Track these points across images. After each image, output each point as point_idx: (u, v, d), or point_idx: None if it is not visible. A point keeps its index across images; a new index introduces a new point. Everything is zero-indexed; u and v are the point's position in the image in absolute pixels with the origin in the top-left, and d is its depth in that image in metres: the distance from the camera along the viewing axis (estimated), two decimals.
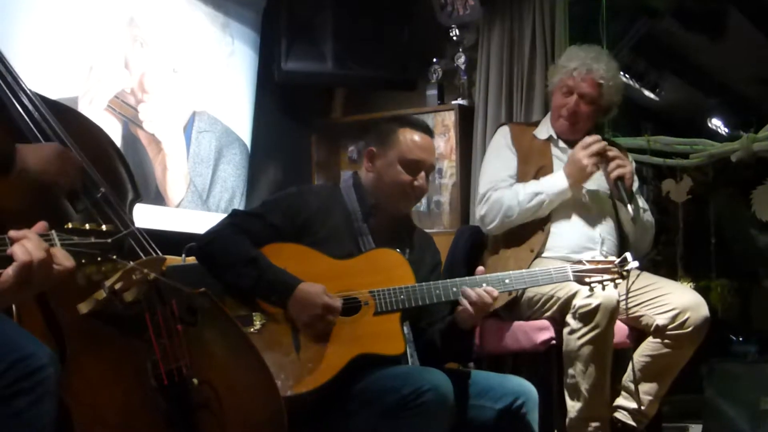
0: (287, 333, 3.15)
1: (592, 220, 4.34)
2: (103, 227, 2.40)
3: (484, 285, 3.26)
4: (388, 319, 3.21)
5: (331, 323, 3.13)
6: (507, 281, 3.33)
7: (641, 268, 4.09)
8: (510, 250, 4.31)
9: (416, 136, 3.43)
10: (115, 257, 2.40)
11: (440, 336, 3.38)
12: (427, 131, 3.50)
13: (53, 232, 2.28)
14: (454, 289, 3.27)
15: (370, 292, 3.22)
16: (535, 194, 4.26)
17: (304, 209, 3.36)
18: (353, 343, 3.14)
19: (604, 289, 3.42)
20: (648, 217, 4.46)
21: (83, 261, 2.33)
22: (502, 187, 4.33)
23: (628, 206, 4.20)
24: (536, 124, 4.65)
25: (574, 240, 4.27)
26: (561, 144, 4.47)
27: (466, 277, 3.32)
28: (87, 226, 2.38)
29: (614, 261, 3.44)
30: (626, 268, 3.43)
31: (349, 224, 3.40)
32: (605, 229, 4.34)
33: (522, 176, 4.38)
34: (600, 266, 3.43)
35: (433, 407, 2.90)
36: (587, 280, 3.41)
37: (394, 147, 3.41)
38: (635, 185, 4.44)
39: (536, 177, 4.34)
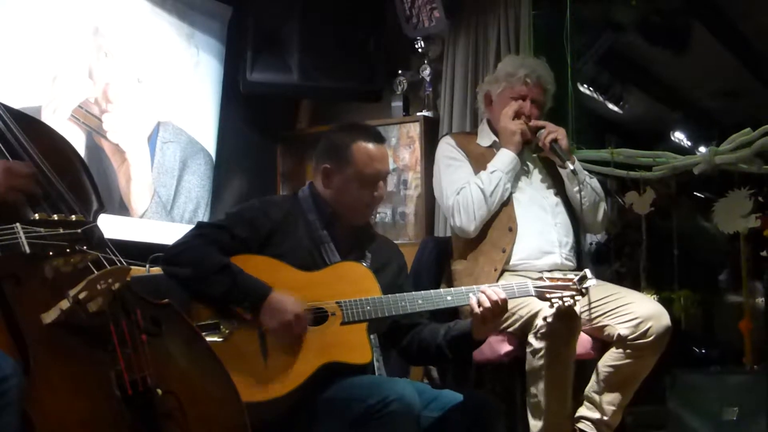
0: (254, 341, 3.15)
1: (550, 226, 4.41)
2: (72, 217, 2.39)
3: (491, 287, 3.31)
4: (355, 329, 3.22)
5: (300, 333, 3.14)
6: (471, 295, 3.33)
7: (604, 278, 4.12)
8: (480, 253, 4.34)
9: (370, 149, 3.42)
10: (84, 248, 2.39)
11: (447, 343, 3.39)
12: (379, 138, 3.49)
13: (17, 225, 2.27)
14: (420, 301, 3.30)
15: (337, 302, 3.23)
16: (491, 173, 4.37)
17: (268, 221, 3.36)
18: (320, 351, 3.16)
19: (564, 305, 3.45)
20: (595, 184, 4.59)
21: (51, 253, 2.32)
22: (464, 189, 4.37)
23: (567, 163, 4.35)
24: (474, 133, 4.76)
25: (534, 244, 4.34)
26: None
27: (431, 290, 3.35)
28: (55, 216, 2.36)
29: (573, 279, 3.47)
30: (585, 285, 3.46)
31: (310, 234, 3.41)
32: (562, 232, 4.42)
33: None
34: (560, 283, 3.45)
35: (398, 417, 2.91)
36: (548, 296, 3.43)
37: (351, 164, 3.40)
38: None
39: None
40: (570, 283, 3.46)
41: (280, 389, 3.07)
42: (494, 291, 3.28)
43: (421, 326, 3.48)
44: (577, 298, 3.46)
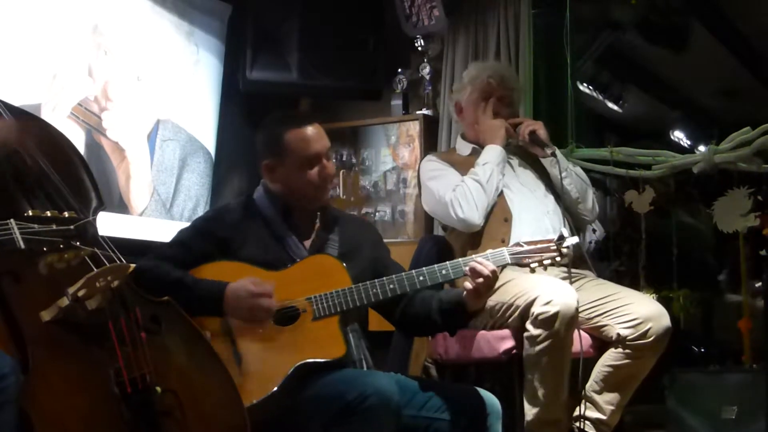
0: (227, 348, 3.12)
1: (543, 214, 4.44)
2: (65, 214, 2.39)
3: (477, 257, 3.28)
4: (327, 323, 3.20)
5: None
6: (444, 272, 3.30)
7: (604, 277, 4.12)
8: (481, 248, 4.34)
9: (302, 132, 3.40)
10: (78, 244, 2.39)
11: (441, 317, 3.36)
12: (308, 119, 3.47)
13: (12, 221, 2.27)
14: (391, 286, 3.27)
15: (306, 299, 3.22)
16: (483, 165, 4.42)
17: (224, 227, 3.36)
18: (294, 351, 3.13)
19: (545, 269, 3.41)
20: (579, 171, 4.68)
21: (45, 249, 2.32)
22: (459, 185, 4.39)
23: (546, 149, 4.46)
24: (452, 150, 4.86)
25: (529, 232, 4.30)
26: None
27: (402, 273, 3.32)
28: (48, 213, 2.37)
29: (552, 239, 3.40)
30: (564, 245, 3.39)
31: (270, 231, 3.39)
32: (555, 219, 4.43)
33: None
34: (538, 246, 3.38)
35: (377, 411, 2.90)
36: (526, 261, 3.36)
37: (288, 153, 3.39)
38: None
39: None
40: (549, 245, 3.38)
41: (257, 394, 3.03)
42: (484, 264, 3.24)
43: (407, 298, 3.42)
44: (557, 259, 3.39)
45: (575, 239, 3.45)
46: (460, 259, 3.34)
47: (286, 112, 3.70)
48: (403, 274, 3.32)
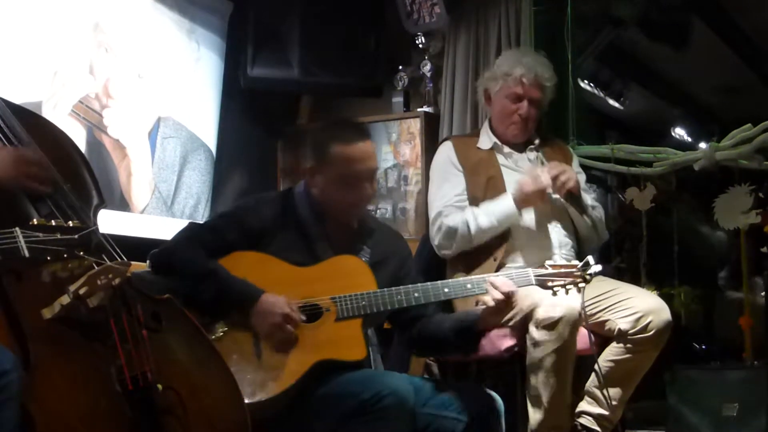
0: (249, 340, 3.13)
1: (549, 227, 4.39)
2: (70, 223, 2.40)
3: (494, 278, 3.28)
4: (350, 324, 3.19)
5: (291, 333, 3.12)
6: (469, 286, 3.30)
7: (605, 274, 4.12)
8: (474, 263, 4.32)
9: (350, 149, 3.27)
10: (81, 253, 2.40)
11: (455, 334, 3.35)
12: (362, 135, 3.33)
13: (17, 229, 2.27)
14: (416, 294, 3.26)
15: (331, 298, 3.21)
16: (486, 222, 4.29)
17: (259, 220, 3.32)
18: (315, 349, 3.14)
19: (567, 293, 3.41)
20: (598, 213, 4.53)
21: (48, 258, 2.33)
22: (452, 210, 4.36)
23: (585, 216, 4.39)
24: (477, 134, 4.70)
25: (530, 250, 4.31)
26: (506, 150, 4.54)
27: (428, 283, 3.31)
28: (53, 222, 2.38)
29: (577, 265, 3.43)
30: (589, 271, 3.41)
31: (303, 231, 3.36)
32: (562, 233, 4.40)
33: (472, 188, 4.41)
34: (563, 270, 3.41)
35: (392, 411, 2.91)
36: (549, 284, 3.38)
37: (331, 164, 3.28)
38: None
39: (486, 187, 4.39)
40: (573, 270, 3.41)
41: (274, 389, 3.05)
42: (505, 283, 3.25)
43: (427, 318, 3.42)
44: (580, 285, 3.41)
45: (599, 267, 3.45)
46: (484, 275, 3.35)
47: (345, 120, 3.57)
48: (428, 284, 3.30)
